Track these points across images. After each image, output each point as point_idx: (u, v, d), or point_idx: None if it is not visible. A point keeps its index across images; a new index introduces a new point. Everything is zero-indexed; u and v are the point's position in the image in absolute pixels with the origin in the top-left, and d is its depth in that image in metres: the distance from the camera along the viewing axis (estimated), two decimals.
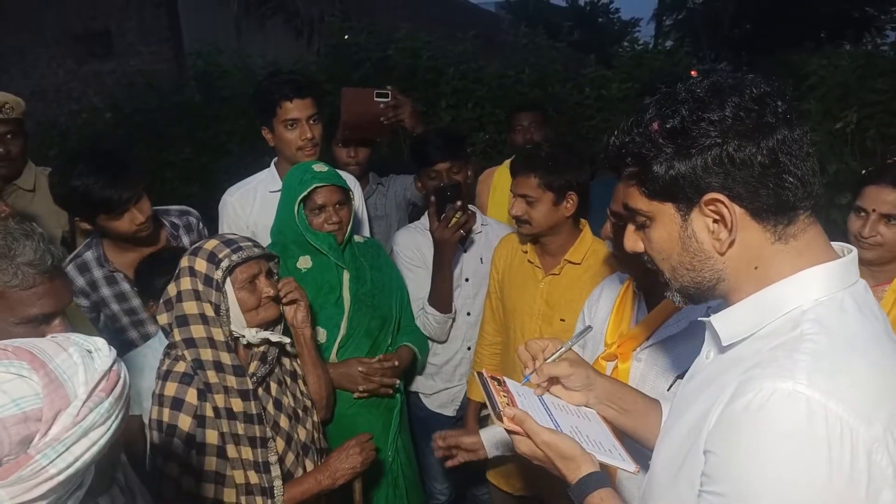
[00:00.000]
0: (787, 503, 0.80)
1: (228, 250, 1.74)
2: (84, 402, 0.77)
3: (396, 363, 2.23)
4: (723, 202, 0.89)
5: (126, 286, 2.33)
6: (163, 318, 1.76)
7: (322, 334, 2.19)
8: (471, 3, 16.06)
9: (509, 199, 2.18)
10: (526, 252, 2.24)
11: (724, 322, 0.96)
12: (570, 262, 2.14)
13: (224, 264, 1.71)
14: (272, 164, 2.60)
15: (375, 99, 2.67)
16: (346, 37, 6.39)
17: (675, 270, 0.97)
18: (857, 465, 0.78)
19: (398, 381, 2.29)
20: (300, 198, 2.12)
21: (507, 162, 3.37)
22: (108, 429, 0.80)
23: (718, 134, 0.87)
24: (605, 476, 1.09)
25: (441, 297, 2.42)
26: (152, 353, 1.98)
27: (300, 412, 1.90)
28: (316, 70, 6.10)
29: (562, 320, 2.10)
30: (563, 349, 1.27)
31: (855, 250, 0.95)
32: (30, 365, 0.76)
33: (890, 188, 1.91)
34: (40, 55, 10.09)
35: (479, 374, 1.28)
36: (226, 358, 1.71)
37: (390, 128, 2.76)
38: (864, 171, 2.05)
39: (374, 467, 2.28)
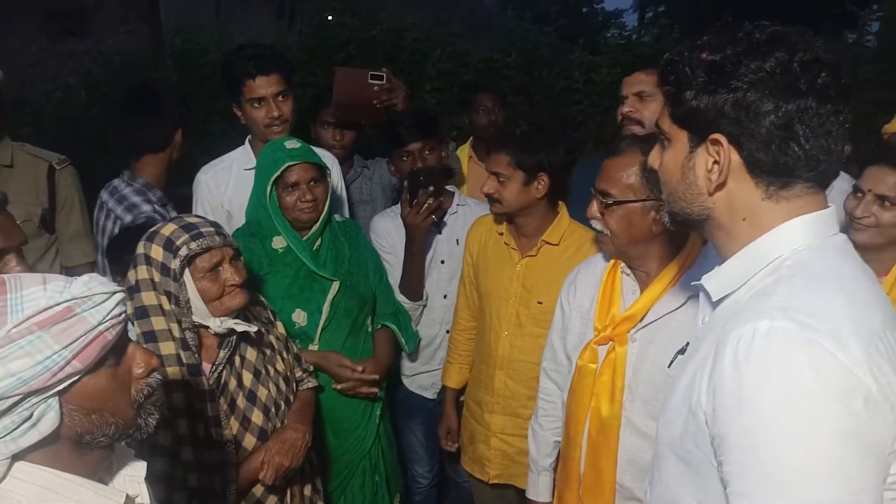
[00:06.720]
0: (793, 437, 0.80)
1: (187, 237, 1.59)
2: (8, 331, 0.80)
3: (377, 377, 2.19)
4: (723, 146, 0.91)
5: (174, 214, 2.38)
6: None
7: (302, 317, 2.12)
8: None
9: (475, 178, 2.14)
10: (502, 234, 2.18)
11: (713, 279, 1.00)
12: (547, 242, 2.09)
13: (182, 252, 1.58)
14: (246, 141, 2.52)
15: (370, 81, 2.56)
16: (330, 17, 6.27)
17: (671, 195, 1.02)
18: (846, 384, 0.80)
19: (378, 381, 2.22)
20: (273, 178, 2.03)
21: (462, 147, 3.37)
22: (37, 363, 0.81)
23: (748, 82, 0.88)
24: None
25: (411, 284, 2.37)
26: None
27: (282, 404, 1.81)
28: (298, 49, 5.99)
29: (539, 303, 2.06)
30: None
31: (833, 206, 0.97)
32: None
33: (889, 169, 1.88)
34: (12, 32, 9.77)
35: None
36: (183, 356, 1.60)
37: (382, 111, 2.66)
38: (870, 153, 2.02)
39: (354, 454, 2.24)
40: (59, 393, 0.85)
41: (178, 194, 2.65)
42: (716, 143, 0.92)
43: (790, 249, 0.92)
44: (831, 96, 0.88)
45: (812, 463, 0.80)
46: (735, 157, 0.92)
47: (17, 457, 0.85)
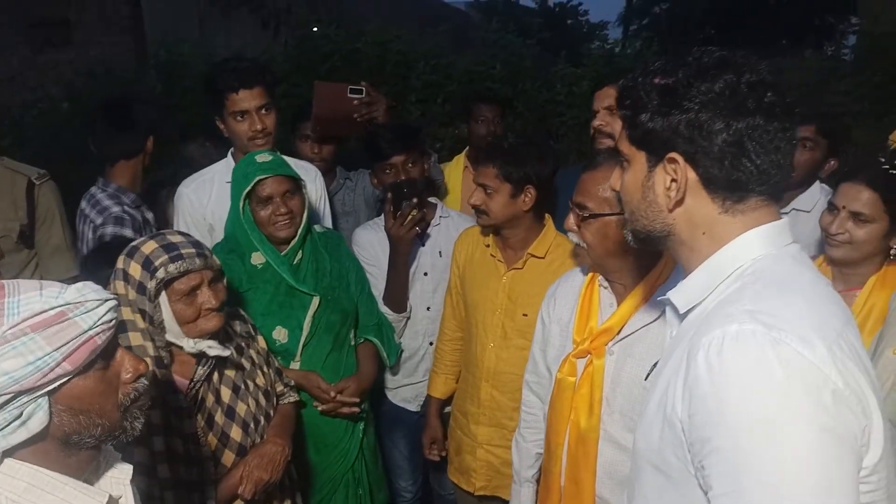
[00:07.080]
0: (770, 434, 0.83)
1: (166, 258, 1.58)
2: (3, 333, 0.84)
3: (357, 399, 2.18)
4: (680, 164, 0.97)
5: (150, 214, 2.51)
6: None
7: (283, 334, 2.10)
8: (440, 1, 16.00)
9: (469, 189, 2.14)
10: (488, 246, 2.20)
11: (679, 293, 1.04)
12: (533, 255, 2.11)
13: (159, 275, 1.57)
14: (229, 153, 2.51)
15: (349, 94, 2.57)
16: (315, 29, 6.28)
17: (632, 214, 1.07)
18: (813, 379, 0.84)
19: (360, 401, 2.22)
20: (245, 193, 2.03)
21: (457, 156, 3.37)
22: (29, 363, 0.85)
23: (699, 103, 0.93)
24: None
25: (395, 296, 2.37)
26: None
27: (261, 419, 1.80)
28: (282, 61, 5.99)
29: (524, 315, 2.07)
30: None
31: (787, 217, 1.02)
32: None
33: (863, 186, 1.88)
34: None
35: None
36: (158, 373, 1.59)
37: (363, 125, 2.68)
38: (845, 169, 2.04)
39: (337, 468, 2.23)
40: (49, 393, 0.89)
41: (156, 178, 2.77)
42: (672, 161, 0.97)
43: (750, 259, 0.97)
44: (778, 114, 0.93)
45: (792, 460, 0.82)
46: (691, 174, 0.97)
47: (6, 454, 0.90)
